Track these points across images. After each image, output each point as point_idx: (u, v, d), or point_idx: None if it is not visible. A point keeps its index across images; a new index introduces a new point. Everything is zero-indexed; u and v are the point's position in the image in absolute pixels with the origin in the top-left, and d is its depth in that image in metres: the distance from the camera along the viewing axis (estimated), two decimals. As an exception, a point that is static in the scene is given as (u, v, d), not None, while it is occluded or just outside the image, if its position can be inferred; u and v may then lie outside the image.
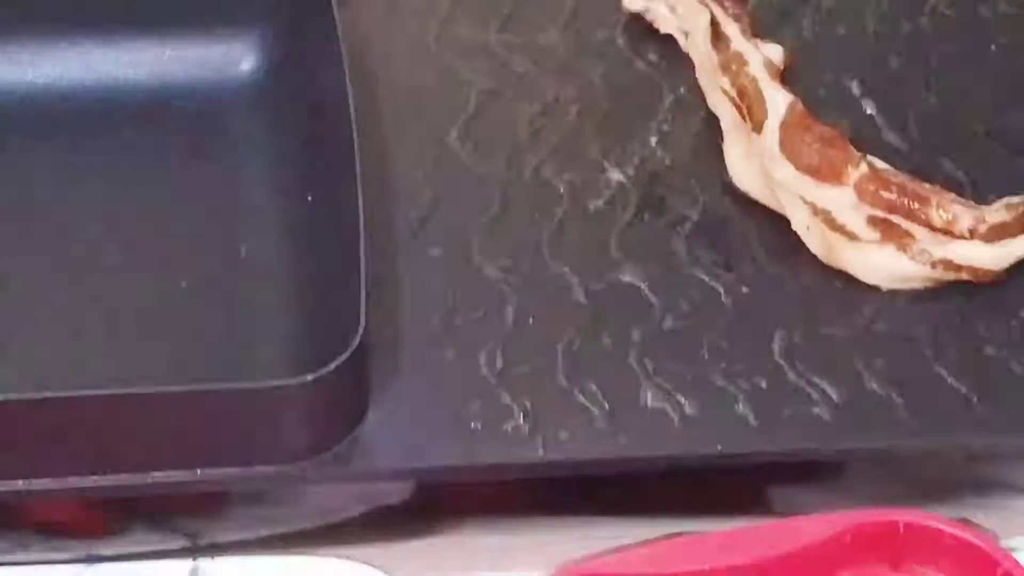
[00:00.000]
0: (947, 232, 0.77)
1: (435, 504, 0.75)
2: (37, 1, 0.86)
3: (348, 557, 0.71)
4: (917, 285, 0.77)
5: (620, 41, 0.89)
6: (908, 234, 0.77)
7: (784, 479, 0.74)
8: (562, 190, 0.81)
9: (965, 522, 0.68)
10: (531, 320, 0.75)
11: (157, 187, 0.84)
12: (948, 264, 0.75)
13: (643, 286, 0.78)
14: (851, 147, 0.79)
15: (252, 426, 0.68)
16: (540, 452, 0.71)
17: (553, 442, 0.71)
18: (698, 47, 0.86)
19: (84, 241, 0.81)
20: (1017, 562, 0.64)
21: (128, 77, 0.87)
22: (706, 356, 0.75)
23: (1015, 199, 0.76)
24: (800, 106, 0.80)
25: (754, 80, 0.83)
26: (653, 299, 0.78)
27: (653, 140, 0.85)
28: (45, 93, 0.86)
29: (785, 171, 0.79)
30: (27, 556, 0.71)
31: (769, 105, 0.81)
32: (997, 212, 0.76)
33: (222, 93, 0.87)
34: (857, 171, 0.78)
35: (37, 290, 0.79)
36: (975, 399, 0.73)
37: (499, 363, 0.73)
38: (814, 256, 0.80)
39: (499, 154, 0.82)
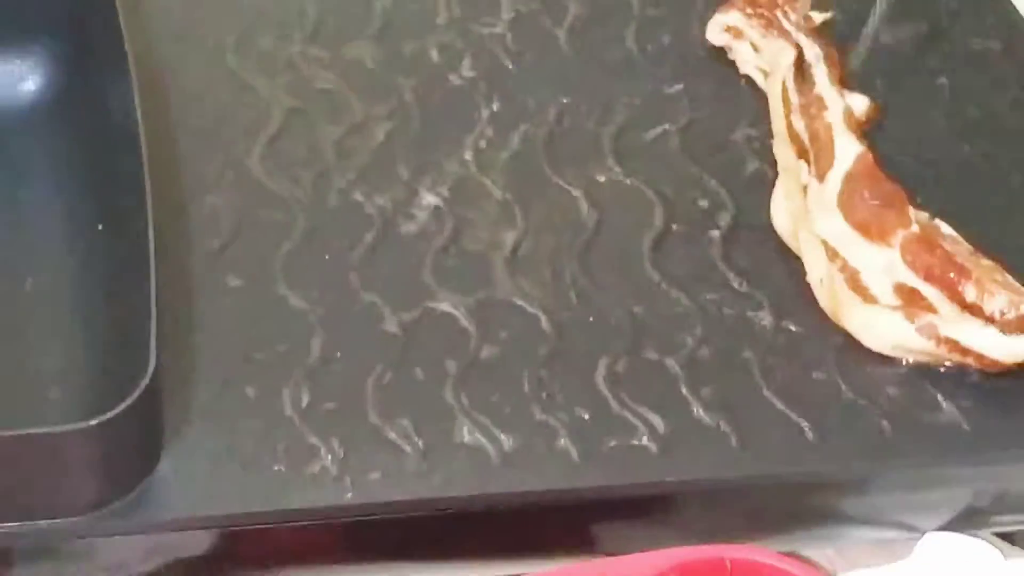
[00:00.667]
0: (974, 310, 0.76)
1: (245, 553, 0.73)
2: None
3: None
4: (923, 359, 0.76)
5: (433, 54, 0.90)
6: (931, 308, 0.76)
7: (610, 515, 0.74)
8: (373, 214, 0.80)
9: (795, 555, 0.68)
10: (339, 354, 0.74)
11: None
12: (953, 345, 0.75)
13: (458, 314, 0.77)
14: (909, 208, 0.79)
15: (32, 475, 0.67)
16: (349, 494, 0.69)
17: (363, 483, 0.70)
18: (776, 85, 0.86)
19: None
20: (844, 595, 0.60)
21: None
22: (526, 388, 0.74)
23: None
24: (870, 158, 0.80)
25: (829, 127, 0.83)
26: (470, 328, 0.77)
27: (469, 158, 0.84)
28: None
29: (833, 223, 0.80)
30: None
31: (838, 154, 0.82)
32: None
33: (4, 115, 0.86)
34: (907, 232, 0.78)
35: None
36: (807, 430, 0.74)
37: (304, 400, 0.72)
38: (644, 282, 0.80)
39: (304, 177, 0.82)
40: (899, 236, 0.78)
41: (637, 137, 0.86)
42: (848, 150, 0.81)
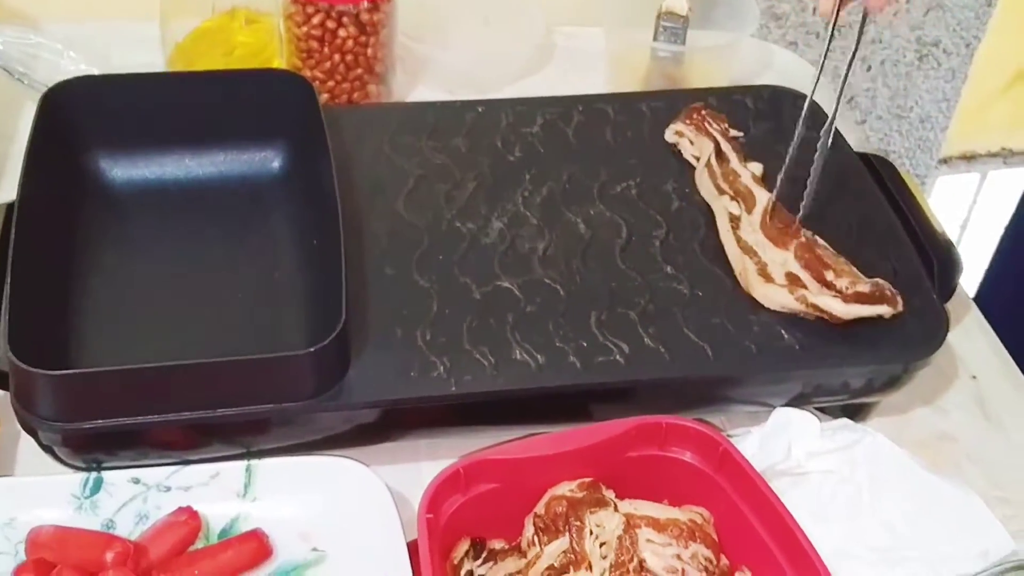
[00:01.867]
0: (830, 287, 0.77)
1: (389, 423, 0.74)
2: (150, 130, 0.86)
3: (340, 456, 0.72)
4: (798, 313, 0.76)
5: (498, 143, 0.90)
6: (804, 286, 0.77)
7: (598, 400, 0.75)
8: (465, 233, 0.83)
9: (700, 421, 0.71)
10: (447, 311, 0.76)
11: (226, 236, 0.84)
12: (816, 307, 0.76)
13: (513, 288, 0.78)
14: (801, 228, 0.80)
15: (281, 379, 0.69)
16: (453, 388, 0.72)
17: (461, 382, 0.72)
18: (702, 165, 0.87)
19: (188, 270, 0.82)
20: (729, 442, 0.69)
21: (206, 173, 0.88)
22: (550, 328, 0.76)
23: (881, 281, 0.77)
24: (775, 200, 0.82)
25: (747, 185, 0.83)
26: (520, 295, 0.78)
27: (519, 201, 0.85)
28: (158, 183, 0.86)
29: (756, 237, 0.80)
30: (147, 461, 0.72)
31: (757, 198, 0.83)
32: (864, 285, 0.76)
33: (261, 181, 0.88)
34: (797, 241, 0.79)
35: (163, 300, 0.79)
36: (708, 350, 0.75)
37: (428, 336, 0.74)
38: (616, 270, 0.80)
39: (427, 213, 0.84)
40: (792, 244, 0.79)
41: (613, 189, 0.87)
42: (762, 196, 0.83)
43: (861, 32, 0.78)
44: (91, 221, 0.82)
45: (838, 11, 0.77)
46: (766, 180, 0.85)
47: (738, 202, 0.83)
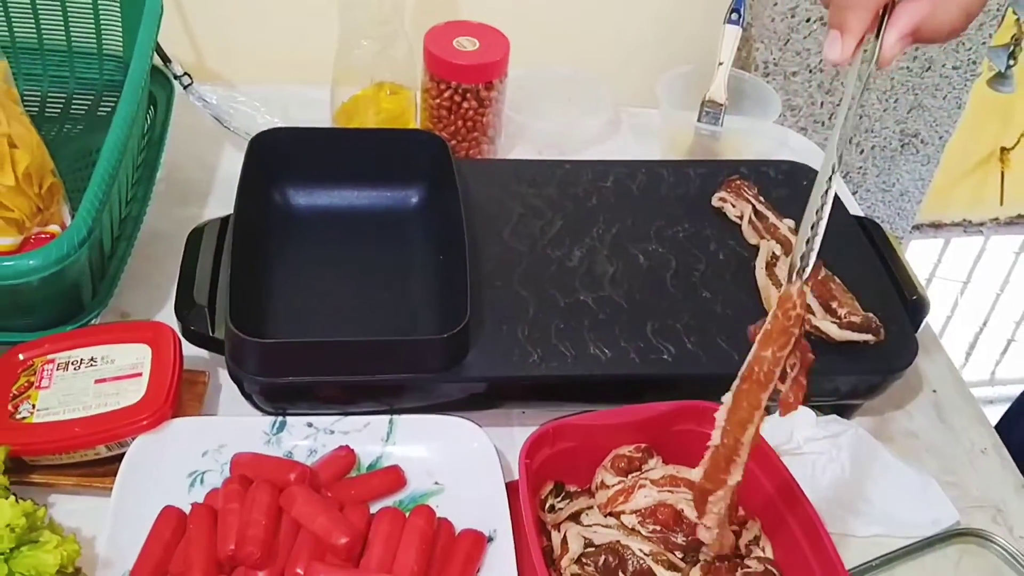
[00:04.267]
0: (833, 315, 0.76)
1: (495, 394, 0.77)
2: (324, 169, 0.88)
3: (458, 416, 0.74)
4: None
5: (579, 192, 0.91)
6: (812, 312, 0.76)
7: (650, 387, 0.74)
8: (554, 258, 0.83)
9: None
10: (541, 314, 0.78)
11: (379, 251, 0.85)
12: (817, 329, 0.76)
13: (590, 301, 0.79)
14: (823, 269, 0.79)
15: (419, 356, 0.72)
16: (543, 371, 0.73)
17: (550, 367, 0.74)
18: (746, 222, 0.87)
19: (350, 274, 0.82)
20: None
21: (364, 204, 0.89)
22: (617, 332, 0.77)
23: (871, 316, 0.76)
24: None
25: (785, 236, 0.83)
26: (595, 307, 0.78)
27: (595, 236, 0.86)
28: (329, 209, 0.89)
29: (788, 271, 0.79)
30: (318, 411, 0.74)
31: (795, 247, 0.79)
32: (857, 316, 0.76)
33: (402, 212, 0.90)
34: (815, 279, 0.76)
35: (332, 294, 0.81)
36: (735, 355, 0.74)
37: (525, 332, 0.76)
38: (667, 291, 0.80)
39: (525, 241, 0.85)
40: (810, 280, 0.77)
41: (665, 232, 0.88)
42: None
43: (865, 84, 0.60)
44: (282, 234, 0.85)
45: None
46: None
47: (780, 246, 0.83)
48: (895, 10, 0.54)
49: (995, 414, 1.02)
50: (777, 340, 0.57)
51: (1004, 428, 0.90)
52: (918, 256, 2.13)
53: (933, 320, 0.91)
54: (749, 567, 0.65)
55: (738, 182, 0.91)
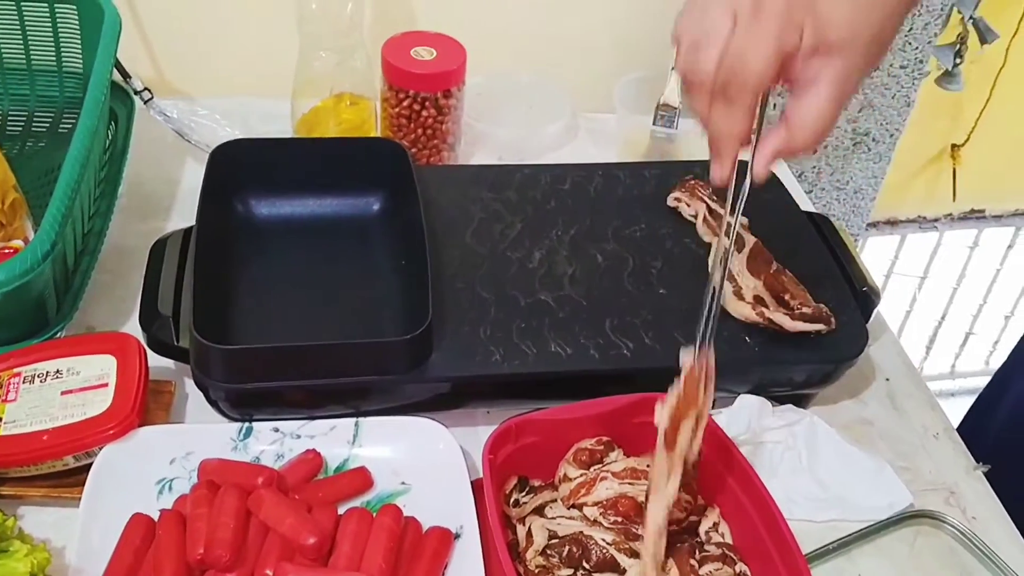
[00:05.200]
0: (786, 307, 0.78)
1: (460, 394, 0.77)
2: (285, 179, 0.88)
3: (423, 416, 0.74)
4: (758, 324, 0.76)
5: (538, 196, 0.91)
6: (765, 305, 0.77)
7: (610, 382, 0.75)
8: (514, 260, 0.84)
9: None
10: (501, 315, 0.78)
11: (340, 257, 0.85)
12: (771, 321, 0.77)
13: (550, 300, 0.79)
14: (773, 259, 0.81)
15: (383, 358, 0.72)
16: (505, 369, 0.74)
17: (511, 365, 0.74)
18: (700, 220, 0.88)
19: (312, 280, 0.82)
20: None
21: (325, 211, 0.89)
22: (576, 330, 0.77)
23: (822, 306, 0.78)
24: (759, 243, 0.83)
25: (738, 231, 0.83)
26: (554, 305, 0.79)
27: (553, 239, 0.86)
28: (291, 217, 0.88)
29: (740, 268, 0.80)
30: (284, 416, 0.74)
31: (745, 241, 0.82)
32: (809, 308, 0.77)
33: (366, 219, 0.89)
34: (767, 272, 0.79)
35: (295, 300, 0.81)
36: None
37: (488, 332, 0.76)
38: (623, 290, 0.80)
39: (486, 244, 0.85)
40: (762, 274, 0.80)
41: (622, 232, 0.88)
42: (749, 239, 0.84)
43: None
44: (245, 244, 0.84)
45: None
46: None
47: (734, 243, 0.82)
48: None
49: (956, 407, 1.04)
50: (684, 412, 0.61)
51: (979, 412, 0.93)
52: (875, 253, 2.15)
53: (892, 315, 0.96)
54: (708, 551, 0.66)
55: (692, 182, 0.91)
